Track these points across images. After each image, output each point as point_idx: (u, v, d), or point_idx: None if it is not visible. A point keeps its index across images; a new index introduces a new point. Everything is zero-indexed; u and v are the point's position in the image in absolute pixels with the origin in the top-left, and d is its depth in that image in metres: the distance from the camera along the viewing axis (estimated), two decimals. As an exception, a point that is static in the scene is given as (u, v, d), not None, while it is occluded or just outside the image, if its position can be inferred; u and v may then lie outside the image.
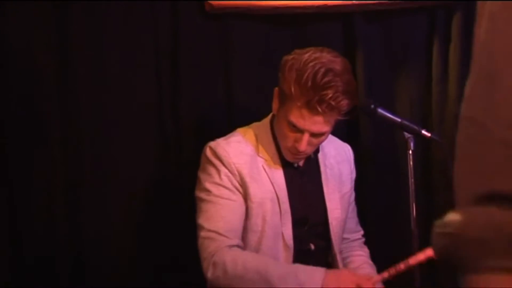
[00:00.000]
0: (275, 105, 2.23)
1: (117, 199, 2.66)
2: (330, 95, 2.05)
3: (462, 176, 0.79)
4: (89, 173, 2.64)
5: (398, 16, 2.85)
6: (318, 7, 2.75)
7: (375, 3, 2.77)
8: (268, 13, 2.74)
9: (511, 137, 0.73)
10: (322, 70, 2.06)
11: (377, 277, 2.11)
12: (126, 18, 2.64)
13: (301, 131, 2.14)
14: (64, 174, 2.60)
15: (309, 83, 2.05)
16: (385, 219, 2.82)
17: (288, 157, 2.25)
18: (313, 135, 2.15)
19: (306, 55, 2.10)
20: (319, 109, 2.06)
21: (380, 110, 2.31)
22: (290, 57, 2.15)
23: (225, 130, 2.39)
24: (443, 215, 0.76)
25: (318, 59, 2.09)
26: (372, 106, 2.31)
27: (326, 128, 2.14)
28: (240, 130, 2.33)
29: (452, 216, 0.79)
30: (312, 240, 2.32)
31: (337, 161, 2.42)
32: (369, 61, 2.81)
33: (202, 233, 2.20)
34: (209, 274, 2.16)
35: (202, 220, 2.22)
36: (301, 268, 2.14)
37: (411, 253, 2.19)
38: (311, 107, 2.07)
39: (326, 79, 2.05)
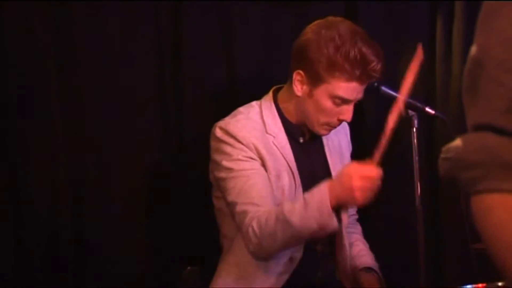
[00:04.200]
0: (299, 88, 2.22)
1: (119, 187, 2.66)
2: (375, 64, 2.13)
3: (466, 108, 0.86)
4: (91, 163, 2.64)
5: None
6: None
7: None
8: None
9: (502, 75, 0.78)
10: (360, 42, 2.12)
11: (374, 159, 2.02)
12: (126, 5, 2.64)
13: (348, 102, 2.19)
14: (66, 165, 2.60)
15: (358, 57, 2.11)
16: (390, 196, 2.82)
17: (322, 132, 2.29)
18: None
19: (334, 31, 2.13)
20: (369, 79, 2.16)
21: (383, 88, 2.31)
22: (311, 37, 2.16)
23: (228, 109, 2.37)
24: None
25: (349, 31, 2.14)
26: (375, 84, 2.30)
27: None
28: (242, 110, 2.32)
29: (455, 143, 0.85)
30: None
31: (336, 134, 2.44)
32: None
33: (237, 208, 2.16)
34: (250, 248, 2.14)
35: (233, 197, 2.18)
36: (308, 195, 2.07)
37: (416, 231, 2.20)
38: (362, 79, 2.15)
39: (369, 50, 2.12)
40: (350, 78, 2.13)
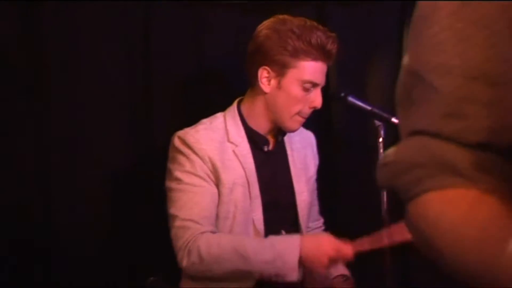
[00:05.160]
0: (267, 84, 2.25)
1: (86, 189, 2.63)
2: (332, 43, 2.22)
3: (400, 117, 0.87)
4: (59, 163, 2.60)
5: (369, 3, 2.85)
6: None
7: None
8: (237, 0, 2.73)
9: (436, 81, 0.78)
10: (315, 29, 2.21)
11: (356, 244, 2.10)
12: (97, 4, 2.61)
13: (316, 86, 2.23)
14: (33, 166, 2.57)
15: (319, 41, 2.19)
16: (356, 206, 2.83)
17: (295, 126, 2.30)
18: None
19: (290, 24, 2.22)
20: (331, 58, 2.23)
21: (350, 98, 2.31)
22: (268, 33, 2.23)
23: (199, 116, 2.38)
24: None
25: (303, 22, 2.23)
26: (343, 94, 2.32)
27: None
28: (205, 120, 2.34)
29: (391, 149, 0.86)
30: (282, 225, 2.32)
31: (302, 145, 2.45)
32: (341, 48, 2.80)
33: (176, 223, 2.18)
34: (184, 262, 2.15)
35: (175, 210, 2.20)
36: (277, 238, 2.16)
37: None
38: (326, 58, 2.22)
39: (325, 34, 2.21)
40: (315, 58, 2.20)
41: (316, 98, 2.25)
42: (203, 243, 2.12)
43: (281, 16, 2.28)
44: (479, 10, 0.76)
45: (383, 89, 2.87)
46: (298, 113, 2.26)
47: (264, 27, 2.26)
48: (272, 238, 2.17)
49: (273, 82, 2.24)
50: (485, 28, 0.75)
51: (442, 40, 0.78)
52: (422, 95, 0.80)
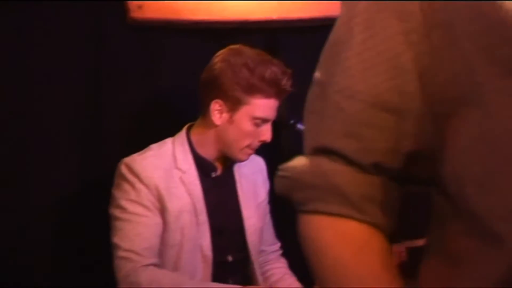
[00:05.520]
0: (218, 117, 2.26)
1: (33, 207, 2.60)
2: (287, 80, 2.24)
3: (306, 130, 0.91)
4: (3, 186, 2.57)
5: (320, 32, 2.88)
6: (240, 22, 2.78)
7: (296, 20, 2.82)
8: (190, 27, 2.75)
9: (342, 101, 0.83)
10: (269, 63, 2.23)
11: None
12: (49, 29, 2.61)
13: (267, 121, 2.26)
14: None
15: (272, 76, 2.21)
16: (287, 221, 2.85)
17: (244, 158, 2.32)
18: None
19: (244, 57, 2.23)
20: (284, 95, 2.26)
21: (299, 126, 2.34)
22: (222, 65, 2.24)
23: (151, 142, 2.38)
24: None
25: (259, 53, 2.26)
26: (292, 121, 2.35)
27: None
28: (154, 146, 2.34)
29: (293, 163, 0.91)
30: (230, 251, 2.33)
31: (251, 171, 2.46)
32: (292, 75, 2.84)
33: (118, 253, 2.17)
34: None
35: (117, 239, 2.19)
36: (222, 286, 2.16)
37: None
38: (279, 95, 2.25)
39: (279, 69, 2.24)
40: (268, 96, 2.22)
41: (266, 133, 2.28)
42: (144, 279, 2.12)
43: (236, 47, 2.30)
44: (386, 43, 0.80)
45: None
46: (248, 146, 2.29)
47: (219, 59, 2.27)
48: (213, 285, 2.18)
49: (224, 115, 2.26)
50: (388, 61, 0.80)
51: (351, 65, 0.83)
52: (328, 112, 0.85)
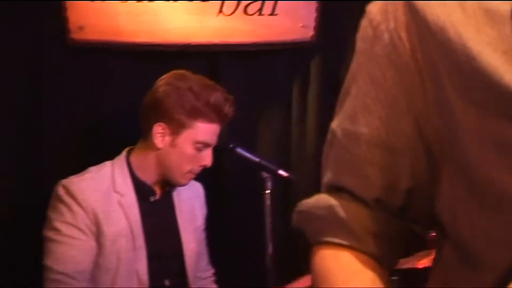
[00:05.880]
0: (160, 140, 2.25)
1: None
2: (229, 106, 2.27)
3: (322, 171, 0.99)
4: None
5: (261, 57, 2.92)
6: (182, 45, 2.79)
7: (238, 44, 2.84)
8: (132, 49, 2.74)
9: (349, 144, 0.93)
10: (213, 89, 2.26)
11: None
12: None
13: (208, 146, 2.27)
14: None
15: (216, 102, 2.23)
16: (241, 258, 2.85)
17: (184, 182, 2.32)
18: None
19: (188, 82, 2.25)
20: (226, 120, 2.28)
21: (238, 150, 2.35)
22: (166, 89, 2.24)
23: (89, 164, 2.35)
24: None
25: (202, 79, 2.29)
26: (231, 145, 2.35)
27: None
28: (93, 169, 2.31)
29: (309, 199, 0.98)
30: (167, 276, 2.32)
31: (189, 196, 2.45)
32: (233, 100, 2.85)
33: (50, 276, 2.14)
34: None
35: (50, 262, 2.15)
36: None
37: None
38: (221, 121, 2.27)
39: (222, 95, 2.26)
40: (211, 121, 2.24)
41: (207, 158, 2.29)
42: None
43: (180, 72, 2.31)
44: (385, 92, 0.89)
45: (273, 142, 2.93)
46: (189, 171, 2.29)
47: (163, 82, 2.27)
48: None
49: (167, 138, 2.25)
50: (388, 107, 0.89)
51: (356, 111, 0.92)
52: (338, 154, 0.94)
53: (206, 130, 2.24)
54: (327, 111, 3.06)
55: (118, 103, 2.77)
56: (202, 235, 2.49)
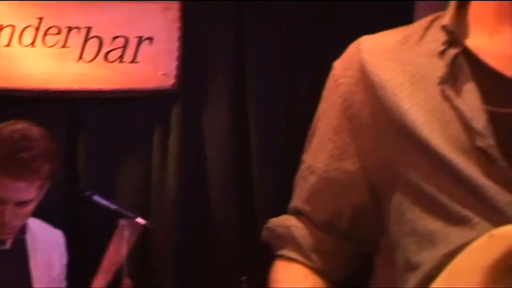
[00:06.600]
0: None
1: None
2: (26, 158, 2.06)
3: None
4: None
5: (122, 104, 2.92)
6: (41, 91, 2.76)
7: (98, 91, 2.84)
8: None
9: (307, 175, 1.09)
10: (17, 136, 2.09)
11: None
12: None
13: (5, 202, 2.10)
14: None
15: (6, 149, 2.06)
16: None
17: (7, 236, 2.20)
18: (19, 204, 2.12)
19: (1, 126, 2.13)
20: (19, 174, 2.06)
21: (95, 197, 2.33)
22: None
23: None
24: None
25: (13, 127, 2.12)
26: (88, 193, 2.33)
27: (31, 195, 2.12)
28: None
29: (276, 218, 1.15)
30: None
31: (47, 244, 2.38)
32: (92, 147, 2.84)
33: None
34: None
35: None
36: None
37: None
38: (11, 174, 2.07)
39: (22, 143, 2.08)
40: (7, 173, 2.07)
41: (3, 214, 2.12)
42: None
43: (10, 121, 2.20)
44: (337, 135, 1.05)
45: (133, 189, 2.92)
46: (5, 226, 2.17)
47: None
48: None
49: None
50: (339, 148, 1.05)
51: (316, 147, 1.09)
52: (299, 182, 1.11)
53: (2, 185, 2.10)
54: (187, 157, 3.12)
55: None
56: (61, 284, 2.42)
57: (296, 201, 1.12)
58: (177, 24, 2.88)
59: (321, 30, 2.92)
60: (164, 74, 2.88)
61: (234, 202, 2.88)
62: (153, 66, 2.88)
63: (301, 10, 2.94)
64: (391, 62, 1.00)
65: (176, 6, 2.88)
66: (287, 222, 1.12)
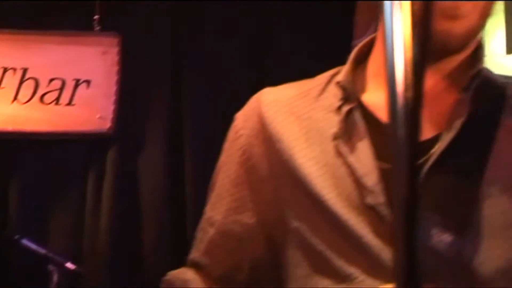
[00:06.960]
0: None
1: None
2: None
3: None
4: None
5: (57, 146, 2.89)
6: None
7: (33, 133, 2.80)
8: None
9: (206, 227, 1.08)
10: None
11: None
12: None
13: None
14: None
15: None
16: None
17: None
18: None
19: None
20: None
21: (24, 241, 2.28)
22: None
23: None
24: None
25: None
26: (16, 236, 2.28)
27: None
28: None
29: (176, 270, 1.12)
30: None
31: None
32: (25, 190, 2.79)
33: None
34: None
35: None
36: None
37: None
38: None
39: None
40: None
41: None
42: None
43: None
44: (237, 187, 1.05)
45: (65, 233, 2.86)
46: None
47: None
48: None
49: None
50: (237, 200, 1.04)
51: (215, 200, 1.08)
52: (199, 235, 1.10)
53: None
54: (121, 201, 3.10)
55: None
56: None
57: (195, 253, 1.10)
58: (115, 68, 2.88)
59: (259, 78, 2.95)
60: (100, 117, 2.86)
61: (169, 245, 2.86)
62: (90, 109, 2.86)
63: (238, 61, 2.97)
64: (289, 115, 1.00)
65: (115, 50, 2.88)
66: (185, 275, 1.10)
